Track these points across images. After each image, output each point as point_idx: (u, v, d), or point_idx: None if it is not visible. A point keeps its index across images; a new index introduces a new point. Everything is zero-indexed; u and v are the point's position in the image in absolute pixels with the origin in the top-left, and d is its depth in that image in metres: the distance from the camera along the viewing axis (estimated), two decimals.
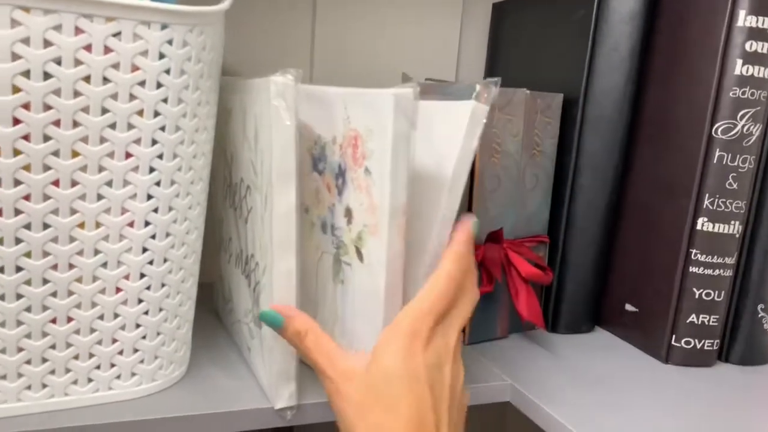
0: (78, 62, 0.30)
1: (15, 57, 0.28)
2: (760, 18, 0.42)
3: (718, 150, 0.44)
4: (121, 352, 0.35)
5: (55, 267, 0.32)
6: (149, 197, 0.33)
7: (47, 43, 0.29)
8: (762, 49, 0.43)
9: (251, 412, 0.36)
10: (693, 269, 0.46)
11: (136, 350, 0.35)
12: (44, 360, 0.33)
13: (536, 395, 0.40)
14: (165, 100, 0.32)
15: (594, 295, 0.52)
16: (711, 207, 0.45)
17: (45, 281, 0.32)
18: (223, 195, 0.48)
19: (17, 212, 0.30)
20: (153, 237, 0.34)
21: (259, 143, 0.36)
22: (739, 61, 0.43)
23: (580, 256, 0.51)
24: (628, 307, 0.51)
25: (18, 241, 0.31)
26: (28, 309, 0.32)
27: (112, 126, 0.31)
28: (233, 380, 0.39)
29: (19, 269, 0.31)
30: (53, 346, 0.33)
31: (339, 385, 0.30)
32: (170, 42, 0.31)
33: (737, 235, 0.45)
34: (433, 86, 0.44)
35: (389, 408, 0.28)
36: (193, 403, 0.36)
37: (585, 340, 0.51)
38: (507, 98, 0.46)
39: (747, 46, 0.43)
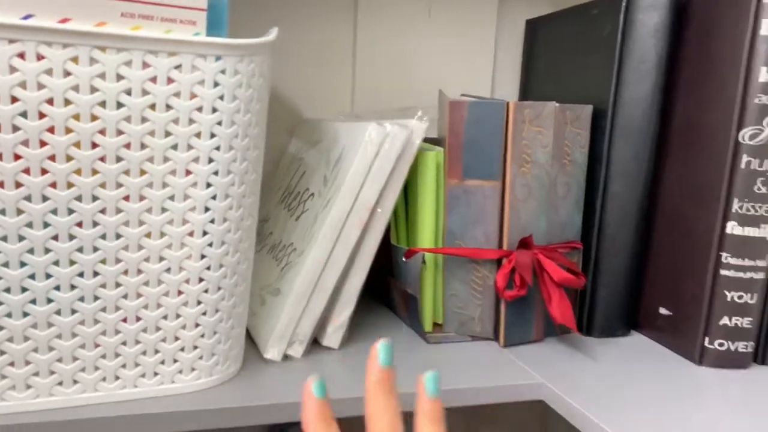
0: (145, 92, 0.34)
1: (93, 90, 0.33)
2: None
3: (745, 155, 0.45)
4: (182, 349, 0.39)
5: (126, 272, 0.36)
6: (206, 209, 0.37)
7: (119, 77, 0.33)
8: None
9: (297, 405, 0.39)
10: (724, 272, 0.47)
11: (195, 347, 0.39)
12: (117, 355, 0.37)
13: (568, 394, 0.42)
14: (219, 123, 0.36)
15: (628, 300, 0.53)
16: (740, 211, 0.46)
17: (117, 285, 0.36)
18: (279, 199, 0.57)
19: (95, 224, 0.35)
20: (210, 245, 0.38)
21: (339, 165, 0.46)
22: (764, 69, 0.44)
23: (613, 261, 0.53)
24: (662, 310, 0.52)
25: (95, 249, 0.35)
26: (104, 309, 0.36)
27: (174, 147, 0.35)
28: (284, 374, 0.43)
29: (96, 274, 0.35)
30: (124, 343, 0.37)
31: None
32: (223, 71, 0.36)
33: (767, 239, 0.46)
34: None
35: None
36: (247, 396, 0.39)
37: (619, 343, 0.52)
38: (537, 112, 0.48)
39: None
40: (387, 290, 0.58)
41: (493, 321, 0.51)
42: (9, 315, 0.34)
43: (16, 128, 0.32)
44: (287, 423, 0.67)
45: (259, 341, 0.46)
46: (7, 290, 0.34)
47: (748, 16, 0.44)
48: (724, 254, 0.46)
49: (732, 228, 0.46)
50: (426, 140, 0.58)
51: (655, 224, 0.52)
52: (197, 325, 0.39)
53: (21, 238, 0.33)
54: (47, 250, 0.34)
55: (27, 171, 0.33)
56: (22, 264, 0.34)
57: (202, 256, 0.38)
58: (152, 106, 0.34)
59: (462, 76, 0.67)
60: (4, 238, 0.33)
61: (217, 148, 0.36)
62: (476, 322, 0.51)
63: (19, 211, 0.33)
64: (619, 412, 0.40)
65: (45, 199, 0.33)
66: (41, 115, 0.32)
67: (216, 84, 0.36)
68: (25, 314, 0.35)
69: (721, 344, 0.47)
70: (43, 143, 0.33)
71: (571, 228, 0.52)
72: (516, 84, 0.69)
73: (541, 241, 0.50)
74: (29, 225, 0.33)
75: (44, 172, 0.33)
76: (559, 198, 0.51)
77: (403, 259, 0.51)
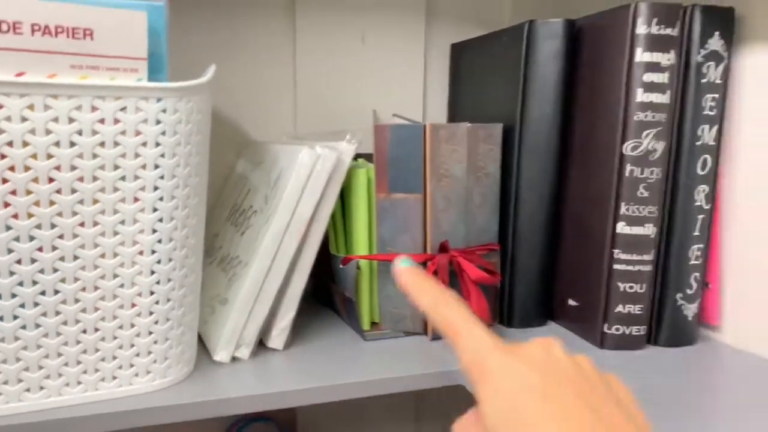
0: (95, 132, 0.39)
1: (48, 132, 0.38)
2: (654, 54, 0.51)
3: (629, 165, 0.52)
4: (137, 355, 0.44)
5: (84, 289, 0.41)
6: (154, 231, 0.42)
7: (71, 120, 0.38)
8: (657, 79, 0.51)
9: (246, 398, 0.45)
10: (616, 266, 0.54)
11: (149, 353, 0.44)
12: (78, 362, 0.42)
13: None
14: (162, 155, 0.41)
15: (542, 294, 0.60)
16: (627, 213, 0.53)
17: (77, 300, 0.41)
18: (227, 216, 0.62)
19: (54, 248, 0.40)
20: (159, 262, 0.43)
21: (278, 184, 0.52)
22: (640, 90, 0.51)
23: (527, 260, 0.59)
24: (571, 302, 0.59)
25: (55, 270, 0.40)
26: (65, 323, 0.41)
27: (123, 178, 0.41)
28: (232, 374, 0.48)
29: (57, 292, 0.40)
30: (85, 351, 0.42)
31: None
32: (164, 111, 0.41)
33: (652, 236, 0.53)
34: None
35: None
36: (198, 393, 0.44)
37: (536, 332, 0.59)
38: (451, 132, 0.55)
39: (645, 77, 0.51)
40: (329, 295, 0.64)
41: (422, 318, 0.57)
42: None
43: None
44: (243, 423, 0.72)
45: (210, 345, 0.52)
46: None
47: (625, 46, 0.51)
48: (616, 251, 0.53)
49: (621, 228, 0.53)
50: (366, 156, 0.64)
51: (562, 227, 0.59)
52: (150, 333, 0.44)
53: None
54: (12, 273, 0.39)
55: None
56: None
57: (152, 272, 0.43)
58: (102, 144, 0.39)
59: (396, 97, 0.74)
60: None
61: (162, 177, 0.42)
62: (408, 319, 0.57)
63: None
64: None
65: (8, 228, 0.38)
66: (2, 156, 0.37)
67: (158, 122, 0.41)
68: None
69: (617, 329, 0.54)
70: (5, 180, 0.38)
71: (488, 232, 0.59)
72: (445, 103, 0.76)
73: (461, 245, 0.56)
74: None
75: (6, 204, 0.38)
76: (476, 207, 0.57)
77: (341, 266, 0.57)
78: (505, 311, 0.60)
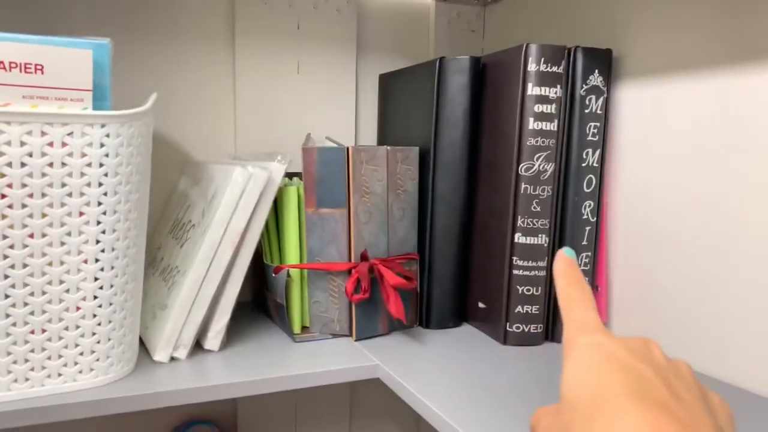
0: (44, 154, 0.44)
1: (1, 154, 0.43)
2: (543, 88, 0.59)
3: (523, 183, 0.60)
4: (81, 354, 0.49)
5: (32, 294, 0.46)
6: (98, 242, 0.47)
7: (23, 143, 0.44)
8: (546, 109, 0.59)
9: (183, 391, 0.50)
10: (516, 272, 0.61)
11: (93, 352, 0.49)
12: (26, 360, 0.47)
13: (396, 371, 0.55)
14: (106, 175, 0.47)
15: (456, 298, 0.67)
16: (523, 225, 0.61)
17: (25, 304, 0.46)
18: (169, 229, 0.66)
19: (5, 257, 0.44)
20: (102, 270, 0.48)
21: (214, 200, 0.57)
22: (531, 119, 0.59)
23: (442, 268, 0.66)
24: (480, 304, 0.66)
25: (5, 276, 0.45)
26: (14, 324, 0.46)
27: (69, 194, 0.46)
28: (171, 372, 0.53)
29: (7, 296, 0.45)
30: (33, 350, 0.47)
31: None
32: (108, 135, 0.46)
33: (545, 245, 0.61)
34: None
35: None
36: (138, 388, 0.49)
37: (451, 332, 0.66)
38: (371, 154, 0.62)
39: (536, 108, 0.59)
40: (264, 302, 0.69)
41: (348, 320, 0.63)
42: None
43: None
44: (186, 426, 0.76)
45: (150, 347, 0.57)
46: None
47: (518, 80, 0.59)
48: (515, 258, 0.61)
49: (518, 238, 0.61)
50: (299, 174, 0.70)
51: (472, 237, 0.67)
52: (94, 333, 0.49)
53: None
54: None
55: None
56: None
57: (96, 279, 0.48)
58: (50, 164, 0.45)
59: (330, 121, 0.80)
60: None
61: (105, 194, 0.47)
62: (335, 322, 0.63)
63: None
64: (434, 382, 0.53)
65: None
66: None
67: (102, 145, 0.46)
68: None
69: (518, 327, 0.62)
70: None
71: (408, 243, 0.66)
72: (375, 127, 0.83)
73: (382, 254, 0.63)
74: None
75: None
76: (396, 220, 0.64)
77: (273, 275, 0.62)
78: (424, 314, 0.67)
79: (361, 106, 0.82)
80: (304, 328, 0.65)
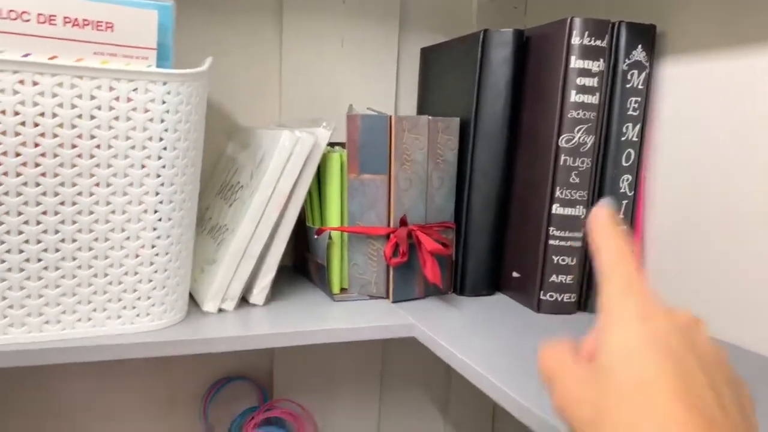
0: (111, 108, 0.47)
1: (73, 106, 0.46)
2: (586, 61, 0.60)
3: (563, 155, 0.61)
4: (139, 298, 0.52)
5: (96, 239, 0.49)
6: (157, 193, 0.50)
7: (92, 97, 0.47)
8: (588, 83, 0.60)
9: (230, 338, 0.53)
10: (552, 242, 0.63)
11: (149, 297, 0.52)
12: (89, 302, 0.50)
13: (432, 330, 0.57)
14: (166, 130, 0.50)
15: (491, 267, 0.69)
16: (561, 196, 0.62)
17: (90, 248, 0.49)
18: (217, 191, 0.68)
19: (73, 203, 0.48)
20: (160, 220, 0.51)
21: (262, 163, 0.60)
22: (574, 92, 0.60)
23: (478, 237, 0.68)
24: (515, 274, 0.67)
25: (73, 222, 0.48)
26: (80, 267, 0.49)
27: (133, 147, 0.49)
28: (219, 322, 0.56)
29: (74, 240, 0.48)
30: (95, 293, 0.50)
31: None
32: (169, 93, 0.49)
33: (582, 216, 0.62)
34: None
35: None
36: (190, 333, 0.52)
37: (484, 300, 0.68)
38: (413, 123, 0.63)
39: (578, 81, 0.60)
40: (305, 264, 0.72)
41: (385, 283, 0.66)
42: (20, 271, 0.47)
43: (17, 133, 0.45)
44: (224, 381, 0.80)
45: (199, 299, 0.60)
46: (20, 254, 0.47)
47: (562, 54, 0.60)
48: (551, 228, 0.62)
49: (556, 209, 0.62)
50: (341, 144, 0.73)
51: (509, 208, 0.68)
52: (150, 280, 0.52)
53: (20, 213, 0.46)
54: (38, 222, 0.47)
55: (25, 164, 0.46)
56: (20, 232, 0.47)
57: (154, 228, 0.51)
58: (116, 118, 0.48)
59: (371, 93, 0.82)
60: (8, 213, 0.46)
61: (165, 148, 0.50)
62: (373, 284, 0.66)
63: (18, 194, 0.46)
64: (469, 341, 0.55)
65: (38, 184, 0.46)
66: (35, 124, 0.45)
67: (163, 102, 0.49)
68: (43, 266, 0.47)
69: (551, 296, 0.63)
70: (36, 144, 0.46)
71: (445, 212, 0.68)
72: (415, 99, 0.84)
73: (420, 221, 0.65)
74: (26, 203, 0.46)
75: (37, 165, 0.46)
76: (434, 189, 0.66)
77: (315, 237, 0.65)
78: (458, 282, 0.69)
79: (402, 80, 0.84)
80: (342, 290, 0.67)
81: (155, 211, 0.51)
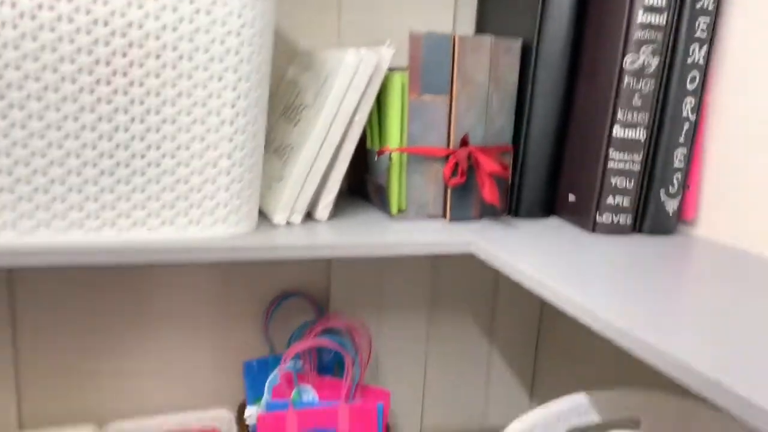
0: (192, 20, 0.49)
1: (157, 18, 0.48)
2: None
3: (626, 77, 0.61)
4: (217, 205, 0.55)
5: (178, 147, 0.52)
6: (233, 106, 0.53)
7: (175, 9, 0.49)
8: (656, 3, 0.59)
9: (298, 246, 0.56)
10: (611, 164, 0.63)
11: (226, 205, 0.56)
12: (172, 207, 0.54)
13: (490, 246, 0.59)
14: (242, 44, 0.52)
15: (547, 190, 0.70)
16: (622, 118, 0.62)
17: (173, 156, 0.52)
18: (280, 113, 0.70)
19: (157, 112, 0.51)
20: (236, 132, 0.54)
21: (326, 83, 0.61)
22: (641, 11, 0.60)
23: (535, 160, 0.69)
24: (570, 197, 0.69)
25: (157, 130, 0.51)
26: (164, 173, 0.52)
27: (212, 59, 0.51)
28: (287, 234, 0.59)
29: (158, 148, 0.51)
30: (177, 198, 0.54)
31: None
32: (245, 6, 0.51)
33: (642, 139, 0.63)
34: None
35: None
36: (261, 241, 0.56)
37: (539, 222, 0.70)
38: (476, 44, 0.64)
39: (646, 1, 0.59)
40: (363, 187, 0.74)
41: (442, 203, 0.68)
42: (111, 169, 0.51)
43: (107, 43, 0.48)
44: (282, 297, 0.84)
45: (269, 212, 0.63)
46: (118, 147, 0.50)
47: None
48: (611, 150, 0.63)
49: (617, 131, 0.63)
50: (400, 69, 0.73)
51: (568, 132, 0.69)
52: (228, 189, 0.55)
53: (110, 120, 0.49)
54: (126, 112, 0.50)
55: (114, 73, 0.48)
56: (110, 138, 0.50)
57: (231, 140, 0.54)
58: (197, 30, 0.50)
59: (429, 22, 0.82)
60: (100, 119, 0.49)
61: (241, 62, 0.52)
62: (430, 205, 0.68)
63: (109, 101, 0.49)
64: (527, 256, 0.57)
65: (125, 93, 0.49)
66: (123, 34, 0.48)
67: (240, 15, 0.51)
68: (116, 162, 0.51)
69: (607, 217, 0.65)
70: (124, 54, 0.48)
71: (504, 134, 0.69)
72: (473, 25, 0.84)
73: (479, 143, 0.66)
74: (115, 111, 0.49)
75: (125, 74, 0.49)
76: (494, 111, 0.67)
77: (376, 158, 0.67)
78: (513, 204, 0.71)
79: (460, 9, 0.83)
80: (400, 211, 0.70)
81: (232, 123, 0.53)
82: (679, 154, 0.64)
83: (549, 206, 0.71)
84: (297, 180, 0.61)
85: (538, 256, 0.56)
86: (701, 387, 0.35)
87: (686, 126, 0.63)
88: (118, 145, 0.50)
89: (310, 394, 0.74)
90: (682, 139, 0.63)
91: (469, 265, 0.94)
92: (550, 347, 0.98)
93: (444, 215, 0.68)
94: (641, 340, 0.40)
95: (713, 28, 0.61)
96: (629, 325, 0.41)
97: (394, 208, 0.69)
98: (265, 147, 0.72)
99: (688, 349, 0.38)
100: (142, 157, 0.51)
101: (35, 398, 0.79)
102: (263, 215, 0.64)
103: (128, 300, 0.81)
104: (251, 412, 0.76)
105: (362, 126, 0.63)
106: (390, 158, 0.67)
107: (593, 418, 0.63)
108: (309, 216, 0.65)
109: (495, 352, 1.00)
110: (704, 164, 0.66)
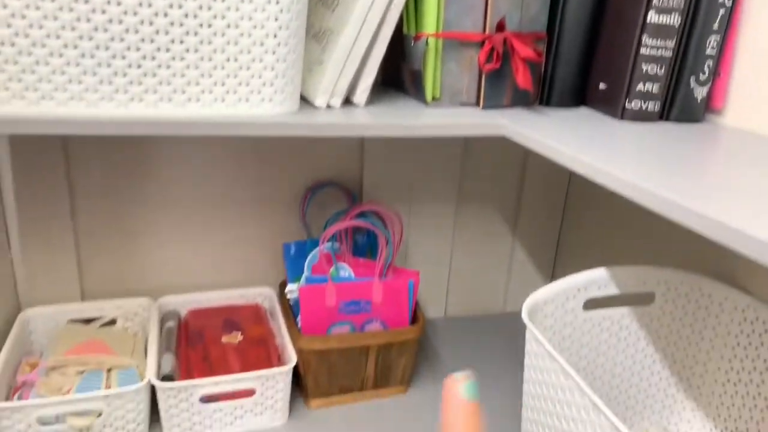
0: None
1: None
2: None
3: None
4: (264, 84, 0.58)
5: (228, 26, 0.55)
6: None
7: None
8: None
9: (338, 125, 0.59)
10: (643, 50, 0.64)
11: (272, 84, 0.59)
12: (223, 84, 0.57)
13: (523, 127, 0.62)
14: None
15: (579, 79, 0.72)
16: (658, 4, 0.63)
17: (223, 34, 0.55)
18: (316, 1, 0.72)
19: (209, 8, 0.53)
20: (281, 11, 0.56)
21: None
22: None
23: (568, 48, 0.70)
24: (601, 85, 0.70)
25: (209, 8, 0.53)
26: (215, 51, 0.55)
27: None
28: (327, 115, 0.63)
29: (209, 26, 0.54)
30: (228, 75, 0.57)
31: None
32: None
33: (676, 25, 0.63)
34: None
35: None
36: (305, 119, 0.59)
37: (570, 111, 0.72)
38: None
39: None
40: (398, 75, 0.77)
41: (476, 91, 0.70)
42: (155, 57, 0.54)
43: None
44: (318, 187, 0.89)
45: (309, 95, 0.66)
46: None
47: None
48: (644, 36, 0.64)
49: (651, 16, 0.63)
50: None
51: (602, 21, 0.70)
52: (273, 68, 0.58)
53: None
54: (180, 6, 0.53)
55: None
56: (165, 14, 0.53)
57: (276, 18, 0.56)
58: None
59: None
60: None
61: None
62: (464, 92, 0.70)
63: None
64: (556, 137, 0.60)
65: None
66: None
67: None
68: (170, 40, 0.54)
69: (636, 104, 0.67)
70: None
71: (538, 22, 0.70)
72: None
73: (514, 29, 0.67)
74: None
75: None
76: None
77: (412, 44, 0.69)
78: (545, 93, 0.73)
79: None
80: (434, 99, 0.72)
81: (277, 2, 0.56)
82: (713, 41, 0.65)
83: (580, 96, 0.73)
84: (336, 63, 0.64)
85: (570, 138, 0.59)
86: (728, 238, 0.39)
87: (722, 12, 0.64)
88: (172, 23, 0.53)
89: (347, 271, 0.80)
90: (716, 26, 0.64)
91: (497, 156, 0.97)
92: (572, 239, 1.03)
93: (477, 103, 0.70)
94: (675, 203, 0.43)
95: None
96: (665, 192, 0.44)
97: (428, 95, 0.72)
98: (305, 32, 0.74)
99: (717, 207, 0.41)
100: (196, 34, 0.54)
101: (94, 272, 0.87)
102: (304, 100, 0.68)
103: (175, 182, 0.86)
104: (292, 288, 0.82)
105: (400, 9, 0.64)
106: (426, 43, 0.68)
107: (611, 290, 0.68)
108: (347, 102, 0.68)
109: (518, 243, 1.05)
110: (738, 52, 0.66)
